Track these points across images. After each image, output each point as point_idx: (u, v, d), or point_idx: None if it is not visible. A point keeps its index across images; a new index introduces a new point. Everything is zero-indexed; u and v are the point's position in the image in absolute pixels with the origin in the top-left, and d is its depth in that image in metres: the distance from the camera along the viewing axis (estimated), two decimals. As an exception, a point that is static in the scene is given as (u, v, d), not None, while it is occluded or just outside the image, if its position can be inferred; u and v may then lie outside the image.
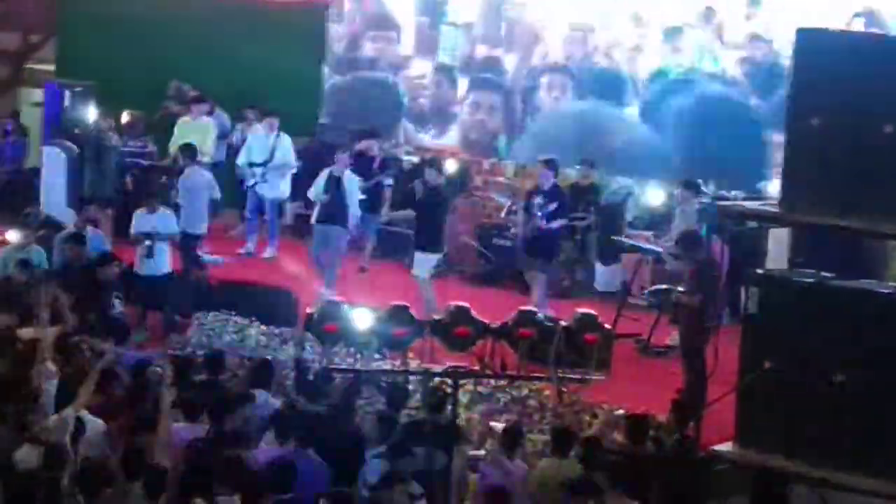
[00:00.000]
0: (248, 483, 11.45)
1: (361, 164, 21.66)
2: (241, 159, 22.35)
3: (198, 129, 22.39)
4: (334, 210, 20.02)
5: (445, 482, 12.19)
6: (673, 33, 23.06)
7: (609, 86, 23.74)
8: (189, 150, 21.15)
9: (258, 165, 22.17)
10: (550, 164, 19.88)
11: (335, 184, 20.07)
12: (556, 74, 24.24)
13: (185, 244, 20.12)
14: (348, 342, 14.09)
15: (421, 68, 26.10)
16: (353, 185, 20.39)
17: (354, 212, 20.27)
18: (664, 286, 17.86)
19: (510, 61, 25.10)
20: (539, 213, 18.98)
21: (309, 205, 21.29)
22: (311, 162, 22.34)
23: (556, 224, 19.21)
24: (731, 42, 22.79)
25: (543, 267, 19.17)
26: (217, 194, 21.15)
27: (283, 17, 25.40)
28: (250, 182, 22.27)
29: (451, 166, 23.18)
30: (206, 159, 22.11)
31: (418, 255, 18.79)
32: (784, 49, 20.86)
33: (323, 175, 20.32)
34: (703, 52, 22.77)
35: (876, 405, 12.35)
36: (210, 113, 22.70)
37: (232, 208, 23.12)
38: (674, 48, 23.13)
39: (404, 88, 25.83)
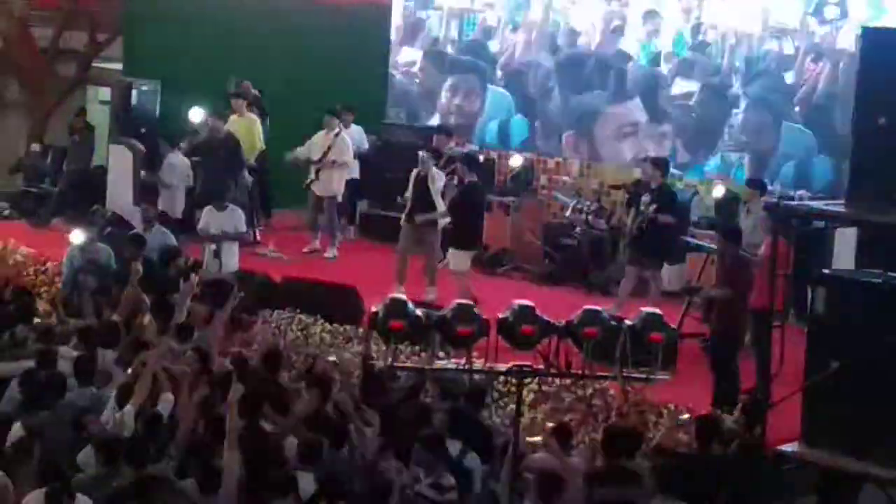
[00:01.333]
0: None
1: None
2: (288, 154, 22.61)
3: (245, 125, 22.58)
4: (424, 208, 20.12)
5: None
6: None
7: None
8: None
9: (314, 163, 22.32)
10: (659, 163, 19.90)
11: (422, 182, 20.16)
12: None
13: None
14: (413, 340, 14.08)
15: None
16: (440, 183, 20.43)
17: (441, 209, 20.20)
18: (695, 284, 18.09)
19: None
20: (648, 210, 19.01)
21: (377, 203, 21.46)
22: (376, 160, 22.42)
23: (666, 220, 19.19)
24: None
25: (653, 264, 19.24)
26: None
27: (346, 14, 25.45)
28: (307, 180, 22.39)
29: (515, 162, 23.27)
30: (252, 156, 22.30)
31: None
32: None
33: (412, 174, 20.44)
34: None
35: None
36: (262, 113, 22.81)
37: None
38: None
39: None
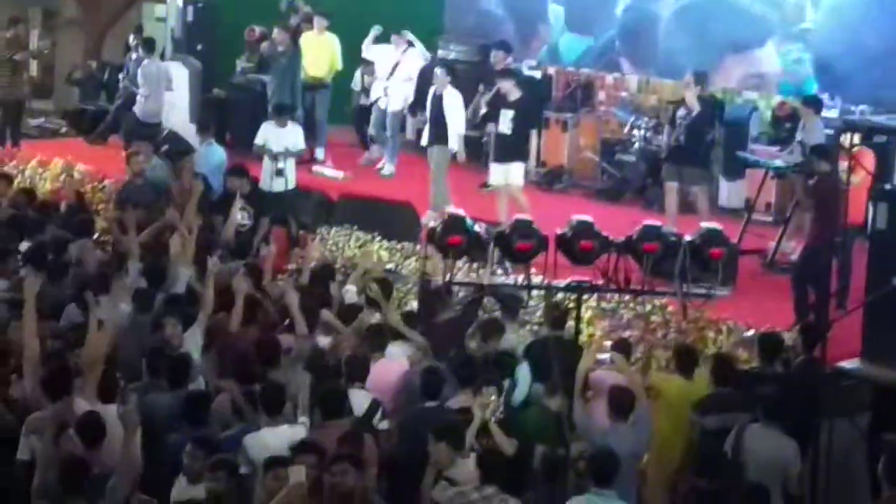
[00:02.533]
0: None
1: (486, 76, 21.72)
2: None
3: (323, 44, 22.49)
4: (434, 128, 20.01)
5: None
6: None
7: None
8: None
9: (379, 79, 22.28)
10: (699, 76, 19.54)
11: (436, 102, 20.07)
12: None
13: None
14: (471, 256, 14.10)
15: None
16: (455, 102, 20.16)
17: (457, 129, 19.95)
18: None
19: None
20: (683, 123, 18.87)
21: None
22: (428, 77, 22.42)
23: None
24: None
25: (693, 178, 18.99)
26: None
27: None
28: (373, 98, 22.37)
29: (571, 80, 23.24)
30: (323, 72, 22.33)
31: (509, 166, 18.86)
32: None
33: (429, 93, 20.32)
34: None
35: None
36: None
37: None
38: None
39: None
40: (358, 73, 23.08)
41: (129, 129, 22.86)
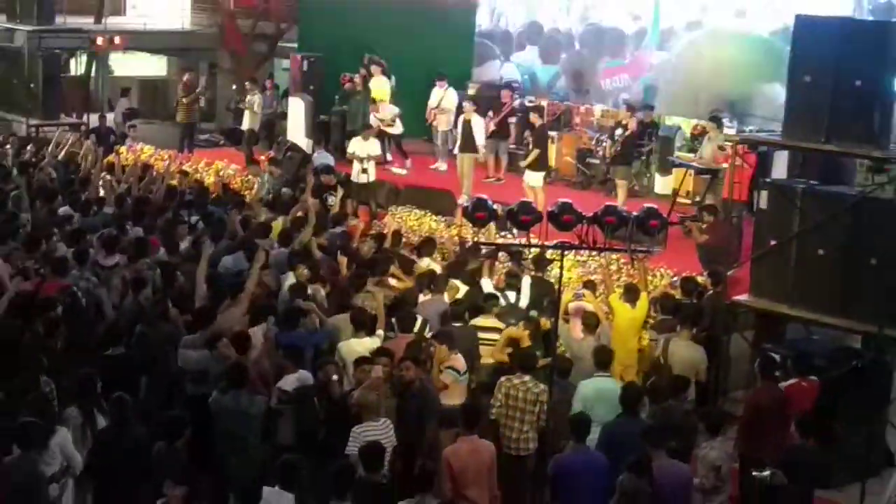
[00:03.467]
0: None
1: (496, 107, 21.69)
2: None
3: (380, 84, 22.37)
4: (464, 142, 20.07)
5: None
6: None
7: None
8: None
9: (433, 109, 22.25)
10: (629, 106, 20.46)
11: (466, 125, 20.08)
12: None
13: None
14: (494, 226, 14.10)
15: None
16: (479, 124, 20.28)
17: (480, 141, 20.20)
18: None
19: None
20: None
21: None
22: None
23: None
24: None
25: (622, 174, 19.26)
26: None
27: (449, 10, 25.32)
28: (430, 120, 22.40)
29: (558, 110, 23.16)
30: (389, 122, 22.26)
31: (530, 173, 18.75)
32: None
33: (461, 118, 20.43)
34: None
35: (847, 271, 12.28)
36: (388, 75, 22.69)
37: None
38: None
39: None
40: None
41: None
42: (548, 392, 10.53)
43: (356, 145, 19.43)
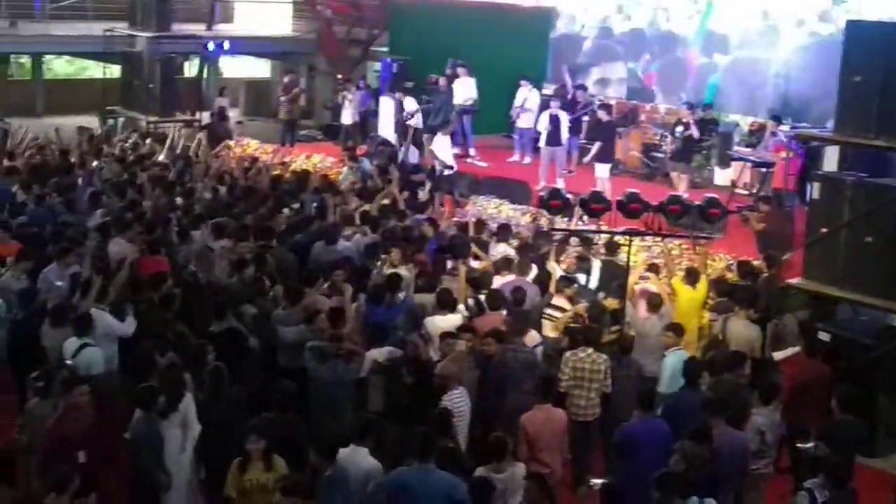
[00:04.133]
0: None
1: (572, 105, 21.63)
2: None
3: (465, 84, 22.42)
4: (552, 136, 19.96)
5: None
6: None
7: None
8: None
9: (518, 107, 22.27)
10: (690, 105, 20.07)
11: (554, 120, 19.98)
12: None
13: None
14: (565, 214, 14.08)
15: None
16: (565, 120, 20.26)
17: (565, 135, 20.15)
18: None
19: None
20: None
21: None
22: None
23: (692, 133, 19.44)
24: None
25: (683, 168, 19.09)
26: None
27: (527, 17, 25.30)
28: (513, 119, 22.45)
29: (626, 108, 23.04)
30: (468, 102, 22.20)
31: (599, 165, 18.74)
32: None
33: (545, 114, 20.33)
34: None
35: (892, 257, 12.17)
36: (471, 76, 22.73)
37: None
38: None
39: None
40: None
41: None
42: (610, 362, 10.62)
43: (438, 141, 19.58)
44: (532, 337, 11.17)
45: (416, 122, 21.82)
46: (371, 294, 11.66)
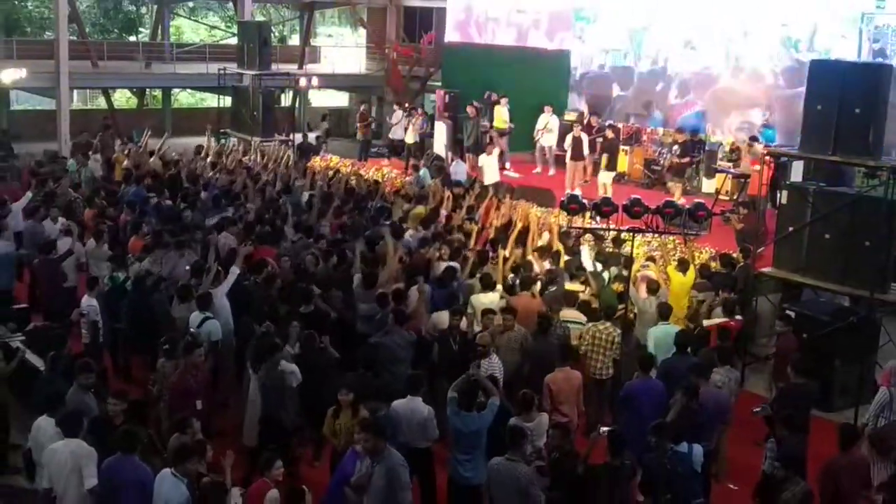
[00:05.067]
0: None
1: (587, 129, 21.50)
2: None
3: (502, 112, 22.30)
4: (574, 152, 20.03)
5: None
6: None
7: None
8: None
9: (542, 129, 22.13)
10: (680, 129, 19.90)
11: (577, 140, 20.05)
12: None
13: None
14: (580, 214, 13.96)
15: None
16: (585, 140, 20.34)
17: (586, 152, 20.27)
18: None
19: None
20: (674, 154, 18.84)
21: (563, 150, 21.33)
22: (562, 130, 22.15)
23: (684, 160, 19.14)
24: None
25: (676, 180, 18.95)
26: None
27: (550, 57, 25.12)
28: (536, 138, 22.24)
29: (631, 130, 22.82)
30: (504, 126, 22.07)
31: (603, 173, 18.71)
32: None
33: (570, 135, 20.36)
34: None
35: (846, 250, 11.99)
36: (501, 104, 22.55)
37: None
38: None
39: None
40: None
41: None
42: (621, 335, 10.59)
43: (484, 158, 19.62)
44: (572, 314, 11.08)
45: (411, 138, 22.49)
46: (437, 281, 11.63)
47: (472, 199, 16.43)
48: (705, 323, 11.42)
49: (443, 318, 10.70)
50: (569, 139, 20.37)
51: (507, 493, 7.42)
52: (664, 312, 11.02)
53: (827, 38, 19.72)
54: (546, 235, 14.01)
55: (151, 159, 18.99)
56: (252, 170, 19.13)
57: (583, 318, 11.01)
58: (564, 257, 13.11)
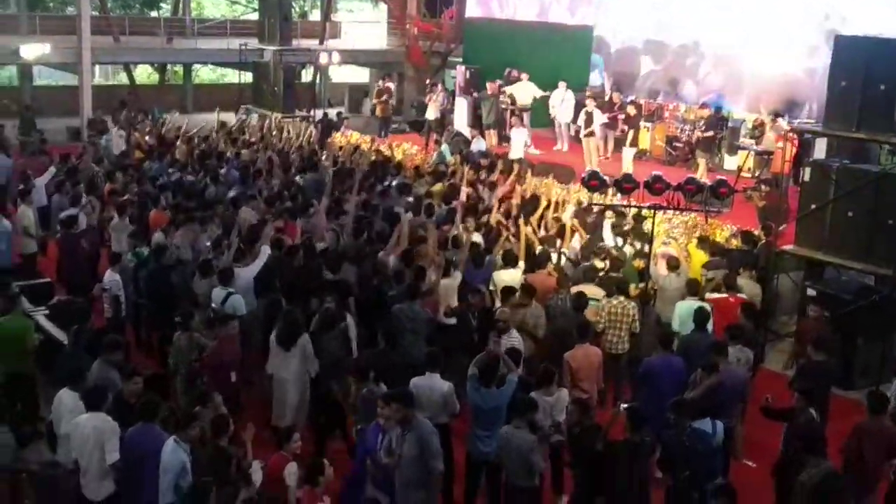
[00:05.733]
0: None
1: (610, 105, 21.36)
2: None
3: (524, 86, 22.21)
4: (586, 128, 20.04)
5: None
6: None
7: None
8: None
9: (557, 105, 22.04)
10: (705, 105, 19.94)
11: (589, 116, 20.04)
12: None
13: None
14: (601, 191, 13.90)
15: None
16: (600, 117, 20.22)
17: (598, 128, 20.22)
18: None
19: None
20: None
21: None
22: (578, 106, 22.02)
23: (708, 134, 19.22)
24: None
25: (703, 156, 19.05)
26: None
27: (572, 33, 24.96)
28: (552, 114, 22.19)
29: (653, 106, 22.68)
30: (529, 101, 21.98)
31: (626, 149, 18.65)
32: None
33: (583, 111, 20.46)
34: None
35: (869, 228, 11.90)
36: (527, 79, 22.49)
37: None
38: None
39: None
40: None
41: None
42: (637, 308, 10.64)
43: (513, 134, 19.84)
44: (591, 290, 11.07)
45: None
46: (475, 260, 11.56)
47: (495, 174, 16.37)
48: (707, 297, 11.28)
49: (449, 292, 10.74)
50: (582, 115, 20.28)
51: (513, 459, 7.67)
52: (692, 288, 10.96)
53: (865, 15, 19.42)
54: (570, 209, 13.91)
55: (177, 142, 19.03)
56: (275, 145, 19.17)
57: (600, 294, 10.97)
58: (584, 235, 13.05)
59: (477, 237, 12.48)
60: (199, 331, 9.56)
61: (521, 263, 11.63)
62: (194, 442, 7.26)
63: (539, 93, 22.01)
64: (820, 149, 15.94)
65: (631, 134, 19.40)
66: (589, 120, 20.14)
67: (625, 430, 7.72)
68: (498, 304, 10.62)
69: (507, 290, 10.42)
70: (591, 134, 20.00)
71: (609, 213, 13.96)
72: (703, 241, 12.78)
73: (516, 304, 10.22)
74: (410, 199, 14.42)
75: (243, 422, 7.77)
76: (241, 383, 9.37)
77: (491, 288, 11.28)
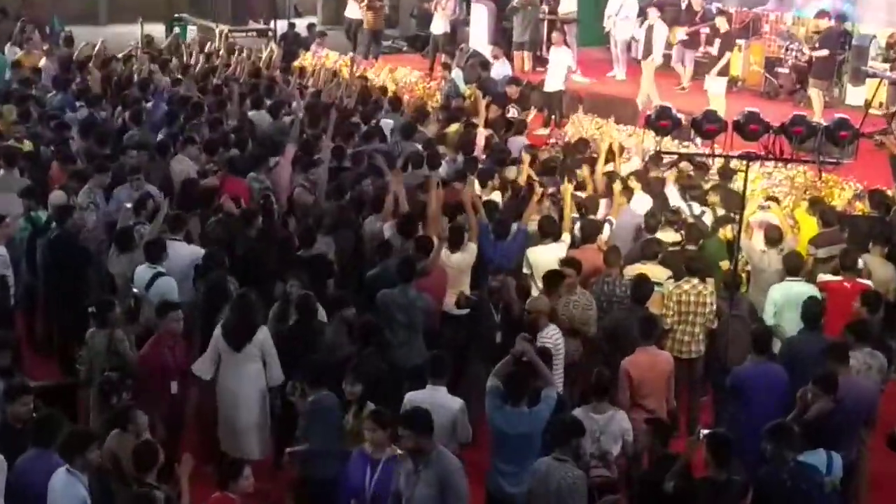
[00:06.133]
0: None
1: (687, 14, 21.38)
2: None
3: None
4: (646, 48, 20.23)
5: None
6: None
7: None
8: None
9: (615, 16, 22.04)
10: (823, 14, 20.03)
11: (648, 31, 20.37)
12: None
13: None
14: (674, 134, 13.92)
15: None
16: (662, 31, 20.44)
17: (659, 48, 20.33)
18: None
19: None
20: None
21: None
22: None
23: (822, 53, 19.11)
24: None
25: (816, 85, 18.93)
26: None
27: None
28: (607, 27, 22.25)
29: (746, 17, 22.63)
30: (574, 8, 22.12)
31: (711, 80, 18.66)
32: None
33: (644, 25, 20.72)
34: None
35: None
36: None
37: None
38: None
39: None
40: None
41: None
42: (715, 293, 10.64)
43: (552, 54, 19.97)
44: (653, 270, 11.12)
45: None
46: (496, 229, 11.59)
47: (531, 113, 16.43)
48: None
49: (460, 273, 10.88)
50: (642, 29, 20.25)
51: (546, 500, 7.58)
52: (793, 265, 10.94)
53: None
54: (635, 160, 13.91)
55: (89, 65, 19.06)
56: (221, 71, 19.23)
57: (663, 276, 10.98)
58: (643, 196, 13.01)
59: (496, 196, 12.49)
60: (120, 326, 9.57)
61: (566, 236, 11.61)
62: (91, 469, 7.30)
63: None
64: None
65: (719, 55, 19.19)
66: (650, 35, 20.04)
67: (705, 466, 7.76)
68: (535, 290, 10.65)
69: (553, 277, 10.33)
70: (651, 53, 19.91)
71: (683, 165, 13.98)
72: (816, 205, 12.76)
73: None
74: (418, 145, 14.48)
75: (183, 449, 7.82)
76: (183, 396, 9.42)
77: (525, 270, 11.30)
